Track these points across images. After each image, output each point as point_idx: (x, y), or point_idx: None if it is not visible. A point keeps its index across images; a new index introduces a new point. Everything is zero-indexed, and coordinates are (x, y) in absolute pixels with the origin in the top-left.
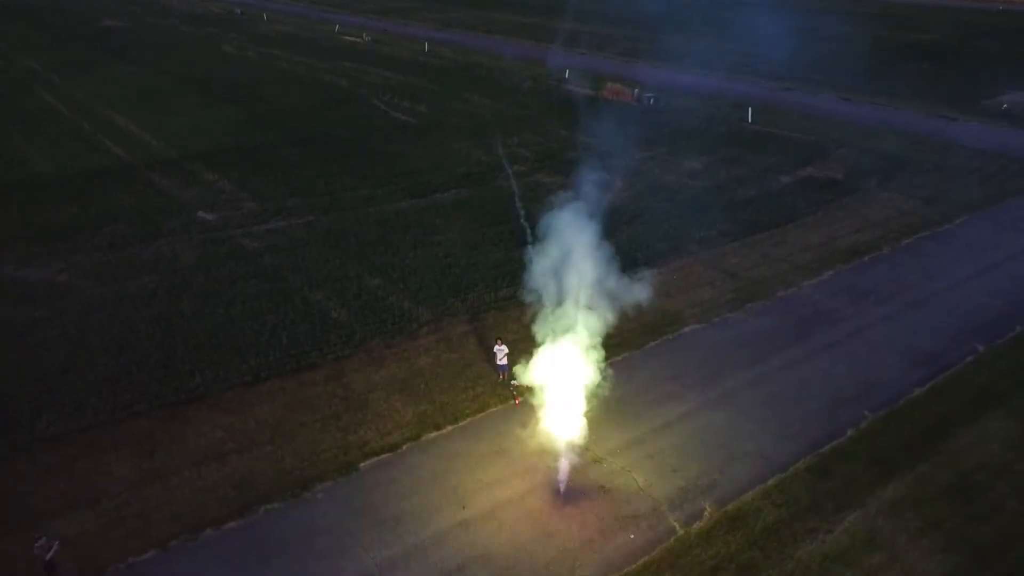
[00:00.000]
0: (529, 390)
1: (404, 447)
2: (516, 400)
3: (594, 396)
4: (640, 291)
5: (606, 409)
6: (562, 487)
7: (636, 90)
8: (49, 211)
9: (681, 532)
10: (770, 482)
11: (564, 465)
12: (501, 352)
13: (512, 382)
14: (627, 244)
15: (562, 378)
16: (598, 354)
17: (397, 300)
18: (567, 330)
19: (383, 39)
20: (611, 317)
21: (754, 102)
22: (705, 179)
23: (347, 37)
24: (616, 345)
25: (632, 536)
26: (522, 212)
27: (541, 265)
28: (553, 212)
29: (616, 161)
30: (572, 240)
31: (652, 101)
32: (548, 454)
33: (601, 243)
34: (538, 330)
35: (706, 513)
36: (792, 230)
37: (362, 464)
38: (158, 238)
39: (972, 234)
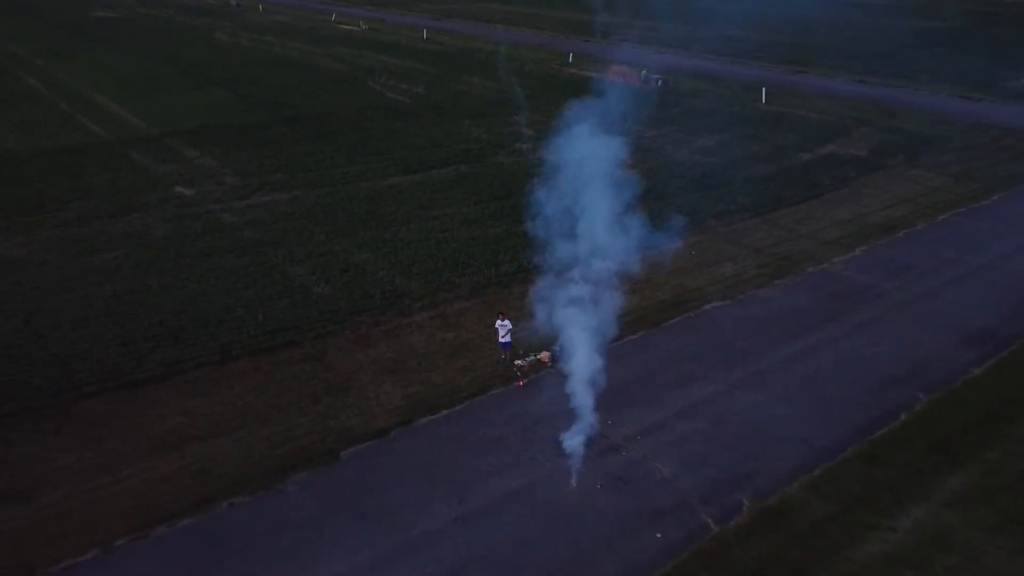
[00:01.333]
0: (535, 370)
1: (393, 433)
2: (520, 381)
3: (609, 374)
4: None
5: (622, 391)
6: (574, 479)
7: (643, 72)
8: (15, 187)
9: (716, 530)
10: (816, 472)
11: (576, 453)
12: (504, 328)
13: (516, 362)
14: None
15: (572, 355)
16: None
17: (388, 275)
18: (577, 300)
19: (381, 27)
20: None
21: (767, 84)
22: (719, 156)
23: (344, 25)
24: (631, 323)
25: (659, 535)
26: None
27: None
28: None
29: (624, 138)
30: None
31: (659, 83)
32: (557, 441)
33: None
34: (545, 301)
35: (744, 508)
36: (817, 206)
37: (344, 452)
38: (129, 213)
39: (1011, 210)
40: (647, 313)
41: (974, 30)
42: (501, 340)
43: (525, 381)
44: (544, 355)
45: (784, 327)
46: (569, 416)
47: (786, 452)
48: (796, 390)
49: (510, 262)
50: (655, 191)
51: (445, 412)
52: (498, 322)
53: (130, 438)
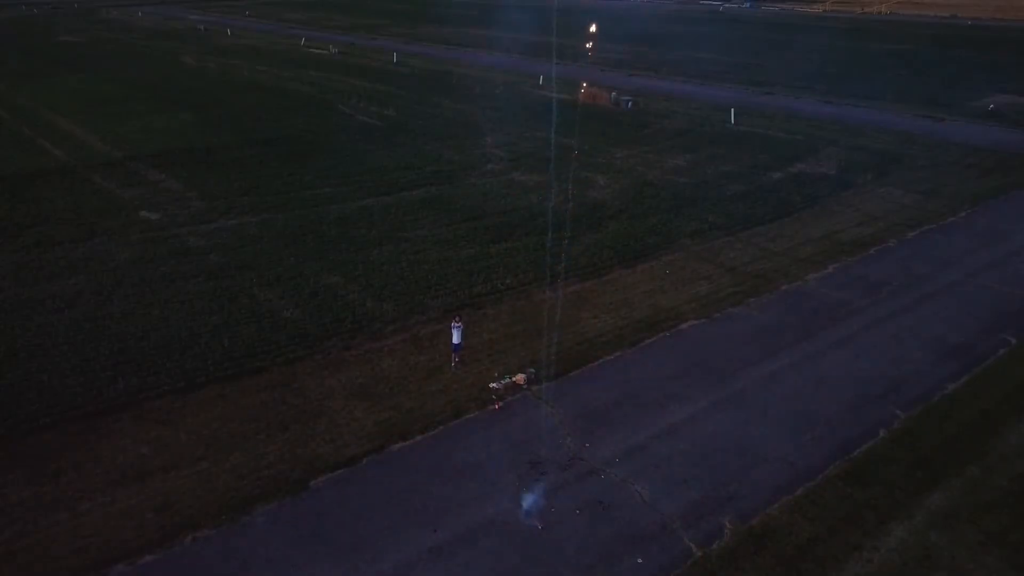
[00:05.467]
0: (510, 392)
1: (364, 461)
2: (496, 404)
3: (587, 396)
4: None
5: (600, 413)
6: (551, 504)
7: (613, 93)
8: None
9: (699, 554)
10: (799, 492)
11: (553, 477)
12: (457, 330)
13: (491, 385)
14: (612, 238)
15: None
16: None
17: (359, 297)
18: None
19: (351, 51)
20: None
21: (735, 105)
22: (691, 176)
23: (313, 50)
24: (606, 343)
25: (640, 560)
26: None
27: None
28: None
29: (596, 159)
30: None
31: (629, 104)
32: (535, 465)
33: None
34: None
35: (727, 530)
36: (789, 224)
37: (313, 481)
38: (91, 238)
39: (981, 225)
40: (623, 333)
41: (934, 52)
42: (453, 342)
43: (501, 404)
44: (520, 377)
45: (761, 345)
46: (546, 439)
47: (768, 472)
48: (776, 409)
49: (483, 283)
50: (628, 211)
51: (418, 437)
52: (452, 324)
53: (89, 471)
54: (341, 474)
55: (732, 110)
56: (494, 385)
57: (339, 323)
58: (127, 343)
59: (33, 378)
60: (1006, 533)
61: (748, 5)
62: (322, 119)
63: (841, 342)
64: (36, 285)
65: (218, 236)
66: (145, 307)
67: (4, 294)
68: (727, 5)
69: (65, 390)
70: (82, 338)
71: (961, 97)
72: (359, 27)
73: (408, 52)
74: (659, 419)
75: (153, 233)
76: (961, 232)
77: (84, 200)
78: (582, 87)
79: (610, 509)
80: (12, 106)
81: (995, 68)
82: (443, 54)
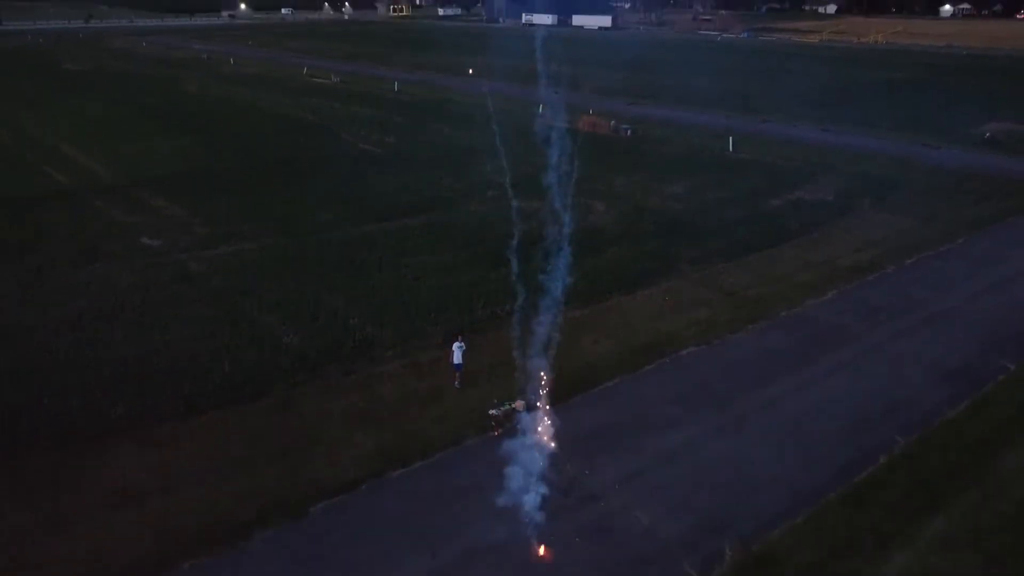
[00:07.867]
0: (509, 418)
1: (363, 486)
2: (495, 430)
3: (587, 422)
4: None
5: (600, 439)
6: (551, 530)
7: (612, 121)
8: None
9: None
10: (799, 517)
11: (553, 503)
12: (458, 350)
13: (490, 412)
14: (612, 264)
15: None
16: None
17: (359, 323)
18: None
19: (352, 80)
20: None
21: (733, 133)
22: (690, 202)
23: (315, 79)
24: (606, 368)
25: None
26: None
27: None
28: None
29: (596, 186)
30: None
31: (629, 132)
32: (534, 491)
33: None
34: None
35: (727, 556)
36: (788, 250)
37: (312, 507)
38: (93, 263)
39: (978, 251)
40: (623, 359)
41: (930, 81)
42: (454, 362)
43: (500, 430)
44: (519, 403)
45: (761, 370)
46: (545, 466)
47: (768, 497)
48: (776, 434)
49: (483, 308)
50: (627, 237)
51: (418, 463)
52: (455, 343)
53: (87, 494)
54: (341, 499)
55: (731, 138)
56: (493, 412)
57: (339, 348)
58: (127, 367)
59: (34, 401)
60: (1006, 557)
61: (746, 35)
62: (324, 146)
63: (840, 367)
64: (36, 309)
65: (220, 261)
66: (145, 332)
67: (6, 317)
68: (725, 35)
69: (66, 413)
70: (83, 361)
71: (957, 125)
72: (361, 56)
73: (409, 80)
74: (659, 444)
75: (155, 258)
76: (958, 258)
77: (86, 226)
78: (582, 116)
79: (610, 535)
80: (17, 131)
81: (991, 96)
82: (444, 82)
